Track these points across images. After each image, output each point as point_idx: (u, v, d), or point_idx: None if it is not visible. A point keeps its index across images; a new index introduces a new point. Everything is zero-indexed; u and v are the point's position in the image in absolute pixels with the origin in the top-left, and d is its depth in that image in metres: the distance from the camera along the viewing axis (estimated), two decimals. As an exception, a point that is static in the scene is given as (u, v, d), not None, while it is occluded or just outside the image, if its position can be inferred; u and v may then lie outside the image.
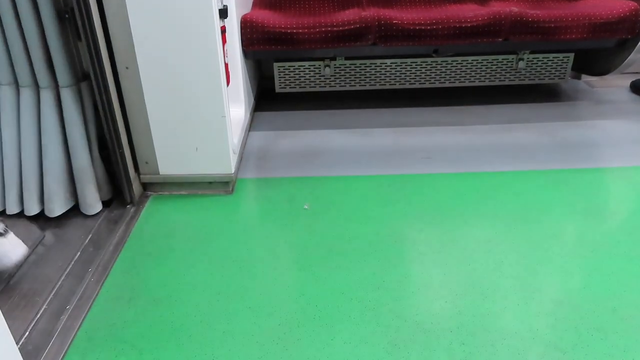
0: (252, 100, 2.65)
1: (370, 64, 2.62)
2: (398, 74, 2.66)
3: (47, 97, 1.66)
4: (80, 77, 1.72)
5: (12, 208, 1.77)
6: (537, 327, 1.31)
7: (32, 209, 1.76)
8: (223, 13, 1.78)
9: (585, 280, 1.47)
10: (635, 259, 1.54)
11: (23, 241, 1.53)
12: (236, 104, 2.30)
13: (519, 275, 1.49)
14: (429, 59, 2.62)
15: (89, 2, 1.58)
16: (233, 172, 1.95)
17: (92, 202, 1.81)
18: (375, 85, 2.69)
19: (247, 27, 2.29)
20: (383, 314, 1.36)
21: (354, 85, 2.69)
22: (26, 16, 1.54)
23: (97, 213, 1.83)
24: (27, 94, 1.67)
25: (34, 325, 1.36)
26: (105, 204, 1.88)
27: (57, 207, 1.76)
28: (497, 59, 2.63)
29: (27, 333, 1.33)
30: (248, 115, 2.45)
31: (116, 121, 1.80)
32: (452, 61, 2.63)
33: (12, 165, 1.73)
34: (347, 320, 1.34)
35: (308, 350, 1.26)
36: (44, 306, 1.43)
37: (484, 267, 1.53)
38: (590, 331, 1.29)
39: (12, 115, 1.70)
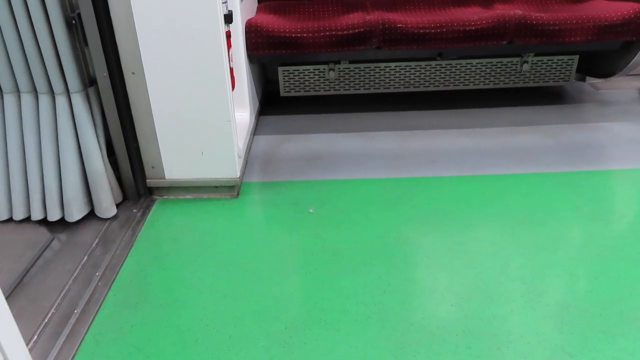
0: (257, 104, 2.66)
1: (375, 67, 2.63)
2: (402, 77, 2.67)
3: (62, 103, 1.68)
4: (87, 82, 1.73)
5: (37, 214, 1.78)
6: (543, 330, 1.30)
7: (55, 215, 1.78)
8: (228, 18, 1.79)
9: (592, 283, 1.46)
10: (642, 262, 1.54)
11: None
12: (241, 108, 2.31)
13: (525, 278, 1.49)
14: (433, 62, 2.63)
15: (95, 8, 1.60)
16: (238, 176, 1.96)
17: (108, 206, 1.83)
18: (379, 88, 2.70)
19: (252, 32, 2.30)
20: (389, 317, 1.36)
21: (359, 89, 2.70)
22: (38, 23, 1.56)
23: (106, 217, 1.84)
24: (45, 101, 1.69)
25: (42, 329, 1.37)
26: (113, 208, 1.90)
27: (77, 211, 1.78)
28: (502, 62, 2.63)
29: (35, 336, 1.34)
30: (253, 119, 2.46)
31: (123, 126, 1.81)
32: (456, 64, 2.63)
33: (35, 173, 1.75)
34: (353, 324, 1.35)
35: (314, 354, 1.26)
36: (52, 310, 1.44)
37: (490, 271, 1.52)
38: (597, 335, 1.28)
39: (32, 123, 1.72)
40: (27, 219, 1.81)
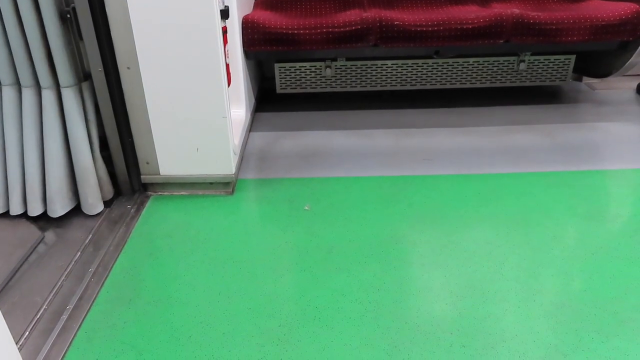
0: (253, 100, 2.65)
1: (371, 65, 2.62)
2: (399, 75, 2.66)
3: (48, 97, 1.66)
4: (81, 77, 1.72)
5: (16, 209, 1.77)
6: (538, 329, 1.30)
7: (36, 210, 1.76)
8: (224, 14, 1.78)
9: (586, 282, 1.46)
10: (636, 261, 1.54)
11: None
12: (237, 105, 2.30)
13: (520, 277, 1.49)
14: (430, 61, 2.62)
15: (90, 2, 1.59)
16: (234, 172, 1.95)
17: (94, 202, 1.81)
18: (376, 86, 2.69)
19: (249, 28, 2.29)
20: (383, 315, 1.36)
21: (355, 87, 2.69)
22: (27, 16, 1.54)
23: (98, 213, 1.83)
24: (29, 95, 1.67)
25: (34, 325, 1.36)
26: (106, 204, 1.88)
27: (60, 207, 1.76)
28: (499, 61, 2.63)
29: (27, 333, 1.33)
30: (249, 115, 2.45)
31: (118, 121, 1.80)
32: (453, 62, 2.63)
33: (15, 166, 1.73)
34: (347, 322, 1.34)
35: (308, 351, 1.26)
36: (44, 306, 1.43)
37: (484, 270, 1.52)
38: (591, 334, 1.29)
39: (14, 116, 1.70)
40: (21, 216, 1.79)
